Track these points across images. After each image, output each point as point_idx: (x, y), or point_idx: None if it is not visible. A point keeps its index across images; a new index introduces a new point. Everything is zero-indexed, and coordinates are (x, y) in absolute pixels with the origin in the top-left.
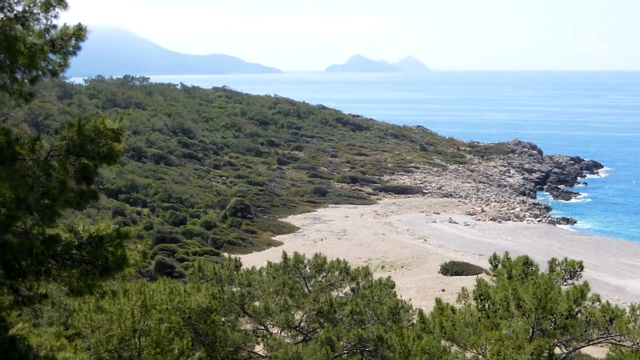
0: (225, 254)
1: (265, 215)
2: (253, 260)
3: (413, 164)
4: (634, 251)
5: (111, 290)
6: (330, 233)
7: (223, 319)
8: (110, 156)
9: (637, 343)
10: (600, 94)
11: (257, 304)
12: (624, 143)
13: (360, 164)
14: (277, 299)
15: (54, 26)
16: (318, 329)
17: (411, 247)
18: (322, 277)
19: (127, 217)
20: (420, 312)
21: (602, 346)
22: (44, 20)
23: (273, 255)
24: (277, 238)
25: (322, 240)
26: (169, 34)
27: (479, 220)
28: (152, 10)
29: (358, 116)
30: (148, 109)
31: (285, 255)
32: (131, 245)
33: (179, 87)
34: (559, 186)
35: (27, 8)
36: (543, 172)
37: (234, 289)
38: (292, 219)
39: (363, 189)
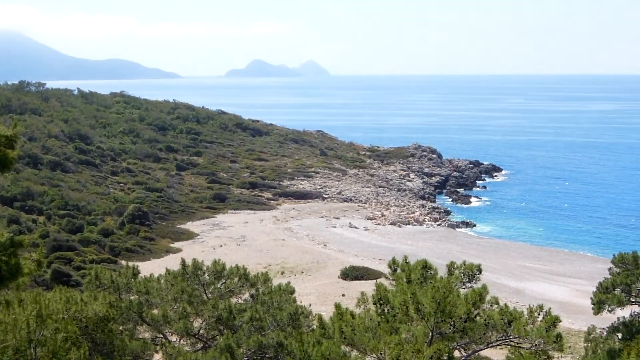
0: (123, 262)
1: (164, 222)
2: (151, 268)
3: (313, 169)
4: (532, 254)
5: (5, 300)
6: (229, 239)
7: (121, 328)
8: (3, 163)
9: (536, 345)
10: (499, 97)
11: (155, 311)
12: (522, 146)
13: (260, 169)
14: (175, 307)
15: None
16: (217, 336)
17: (311, 252)
18: (221, 284)
19: (23, 225)
20: (320, 318)
21: (501, 348)
22: None
23: (172, 262)
24: (176, 245)
25: (221, 246)
26: (67, 39)
27: (379, 224)
28: (50, 16)
29: (258, 121)
30: (44, 115)
31: (183, 262)
32: (26, 254)
33: (75, 92)
34: (458, 190)
35: None
36: (442, 176)
37: (132, 297)
38: (191, 226)
39: (263, 195)
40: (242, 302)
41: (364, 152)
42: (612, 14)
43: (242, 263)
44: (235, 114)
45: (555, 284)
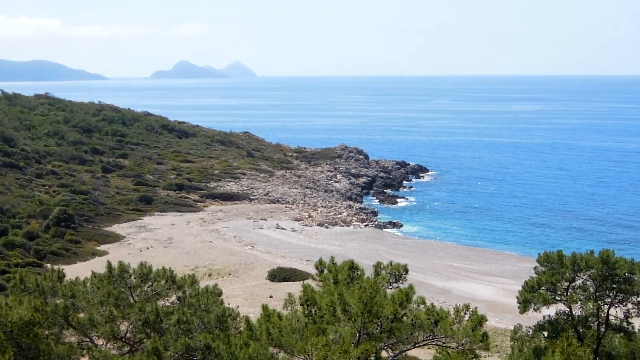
0: (49, 265)
1: (90, 225)
2: (77, 271)
3: (240, 170)
4: (459, 253)
5: None
6: (156, 241)
7: (46, 332)
8: None
9: (462, 344)
10: (426, 98)
11: (81, 315)
12: (447, 147)
13: (186, 171)
14: (102, 310)
15: None
16: (145, 340)
17: (238, 254)
18: (148, 287)
19: None
20: (247, 320)
21: (428, 348)
22: None
23: (98, 265)
24: (102, 247)
25: (148, 248)
26: None
27: (307, 225)
28: None
29: (184, 123)
30: None
31: (109, 265)
32: None
33: None
34: (385, 190)
35: None
36: (369, 176)
37: (58, 301)
38: (117, 228)
39: (189, 196)
40: (169, 304)
41: (291, 153)
42: (536, 16)
43: (169, 265)
44: (161, 115)
45: (481, 283)
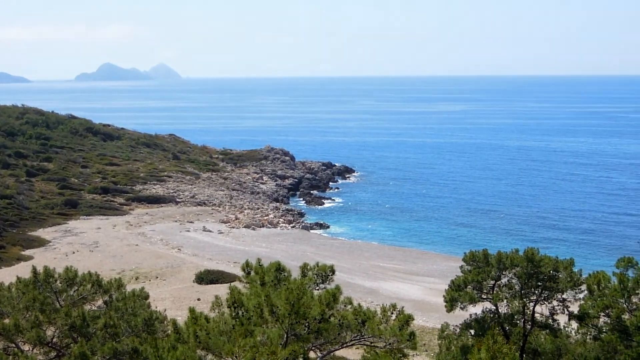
0: None
1: (14, 230)
2: (2, 276)
3: (165, 173)
4: (386, 253)
5: None
6: (82, 245)
7: None
8: None
9: (390, 343)
10: (351, 99)
11: (6, 321)
12: (373, 148)
13: (112, 174)
14: (27, 315)
15: None
16: (71, 344)
17: (165, 257)
18: (74, 291)
19: None
20: (175, 323)
21: (357, 348)
22: None
23: (23, 270)
24: (27, 252)
25: (73, 253)
26: None
27: (233, 227)
28: None
29: (109, 125)
30: None
31: (35, 269)
32: None
33: None
34: (311, 192)
35: None
36: (296, 178)
37: None
38: (42, 233)
39: (115, 200)
40: (95, 309)
41: (217, 156)
42: (460, 16)
43: (95, 269)
44: (85, 118)
45: (408, 283)
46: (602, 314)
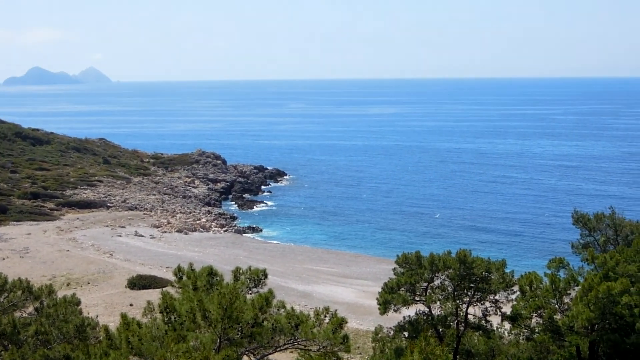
0: None
1: None
2: None
3: (96, 178)
4: (319, 256)
5: None
6: (12, 252)
7: None
8: None
9: (324, 346)
10: (283, 103)
11: None
12: (305, 151)
13: (41, 179)
14: None
15: None
16: (2, 352)
17: (97, 263)
18: (4, 298)
19: None
20: (107, 329)
21: (291, 352)
22: None
23: None
24: None
25: (3, 259)
26: None
27: (166, 232)
28: None
29: (38, 130)
30: None
31: None
32: None
33: None
34: (244, 195)
35: None
36: (228, 181)
37: None
38: None
39: (45, 205)
40: (26, 315)
41: (147, 160)
42: (392, 20)
43: (25, 276)
44: (14, 122)
45: (342, 286)
46: (535, 314)
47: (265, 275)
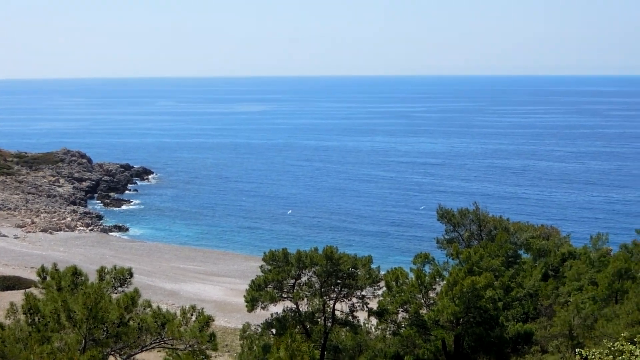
0: None
1: None
2: None
3: None
4: (186, 255)
5: None
6: None
7: None
8: None
9: (191, 345)
10: (151, 100)
11: None
12: (172, 149)
13: None
14: None
15: None
16: None
17: None
18: None
19: None
20: None
21: (158, 351)
22: None
23: None
24: None
25: None
26: None
27: (30, 232)
28: None
29: None
30: None
31: None
32: None
33: None
34: (110, 194)
35: None
36: (93, 180)
37: None
38: None
39: None
40: None
41: (11, 159)
42: (261, 17)
43: None
44: None
45: (209, 283)
46: (401, 309)
47: (131, 274)
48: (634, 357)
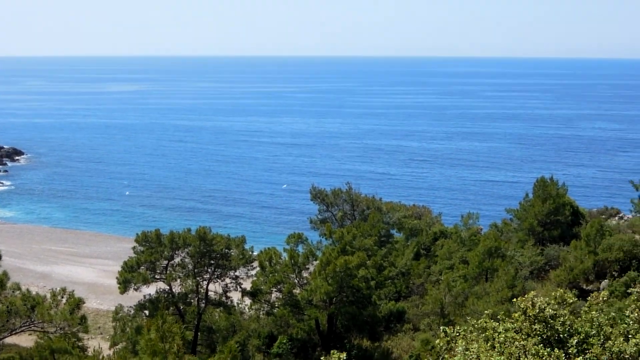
0: None
1: None
2: None
3: None
4: (58, 237)
5: None
6: None
7: None
8: None
9: (62, 328)
10: (19, 80)
11: None
12: (44, 129)
13: None
14: None
15: None
16: None
17: None
18: None
19: None
20: None
21: (30, 334)
22: None
23: None
24: None
25: None
26: None
27: None
28: None
29: None
30: None
31: None
32: None
33: None
34: None
35: None
36: None
37: None
38: None
39: None
40: None
41: None
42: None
43: None
44: None
45: (81, 265)
46: (274, 289)
47: (0, 257)
48: (497, 333)
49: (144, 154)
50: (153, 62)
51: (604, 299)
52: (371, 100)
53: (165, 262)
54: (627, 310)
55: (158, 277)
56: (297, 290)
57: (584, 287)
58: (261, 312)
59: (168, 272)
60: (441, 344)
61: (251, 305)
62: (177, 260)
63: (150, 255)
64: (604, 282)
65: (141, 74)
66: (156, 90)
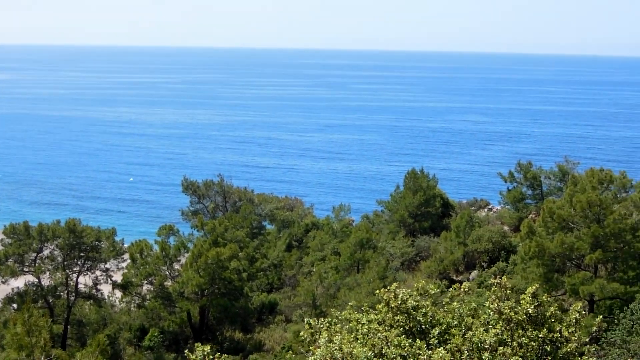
0: None
1: None
2: None
3: None
4: None
5: None
6: None
7: None
8: None
9: None
10: None
11: None
12: None
13: None
14: None
15: None
16: None
17: None
18: None
19: None
20: None
21: None
22: None
23: None
24: None
25: None
26: None
27: None
28: None
29: None
30: None
31: None
32: None
33: None
34: None
35: None
36: None
37: None
38: None
39: None
40: None
41: None
42: None
43: None
44: None
45: None
46: (146, 281)
47: None
48: (360, 325)
49: (7, 144)
50: (22, 50)
51: (465, 290)
52: (244, 92)
53: (34, 254)
54: (487, 301)
55: (26, 269)
56: (168, 283)
57: (454, 277)
58: (132, 305)
59: (37, 264)
60: (305, 336)
61: (122, 298)
62: (46, 252)
63: (19, 247)
64: (474, 273)
65: (18, 63)
66: (25, 79)
